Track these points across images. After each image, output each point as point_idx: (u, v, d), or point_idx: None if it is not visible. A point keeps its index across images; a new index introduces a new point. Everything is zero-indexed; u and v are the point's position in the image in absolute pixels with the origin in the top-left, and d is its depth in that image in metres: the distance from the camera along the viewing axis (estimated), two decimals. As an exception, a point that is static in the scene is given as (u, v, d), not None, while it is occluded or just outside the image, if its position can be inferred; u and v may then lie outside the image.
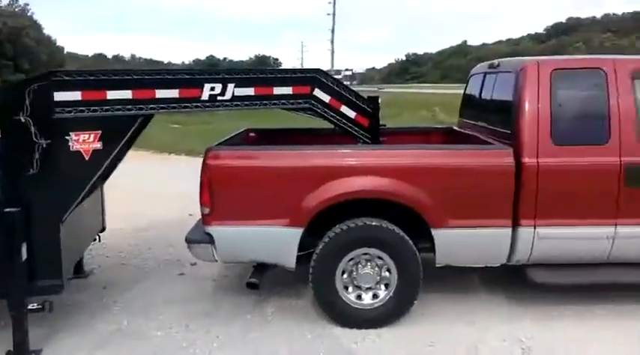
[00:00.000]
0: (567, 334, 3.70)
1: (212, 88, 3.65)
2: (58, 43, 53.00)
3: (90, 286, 4.55)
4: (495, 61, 4.59)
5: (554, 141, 3.69)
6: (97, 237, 4.61)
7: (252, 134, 5.14)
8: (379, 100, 4.27)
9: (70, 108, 3.38)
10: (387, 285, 3.80)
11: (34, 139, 3.30)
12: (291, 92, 3.84)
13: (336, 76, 4.97)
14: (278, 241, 3.73)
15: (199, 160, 3.80)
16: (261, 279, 3.87)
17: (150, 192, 7.86)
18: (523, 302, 4.17)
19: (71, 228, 3.53)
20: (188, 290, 4.49)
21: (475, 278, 4.62)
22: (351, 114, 4.08)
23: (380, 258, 3.76)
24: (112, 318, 3.98)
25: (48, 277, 3.39)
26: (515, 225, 3.73)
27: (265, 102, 3.81)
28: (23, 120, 3.29)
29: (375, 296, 3.81)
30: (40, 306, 3.44)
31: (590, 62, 3.96)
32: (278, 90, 3.81)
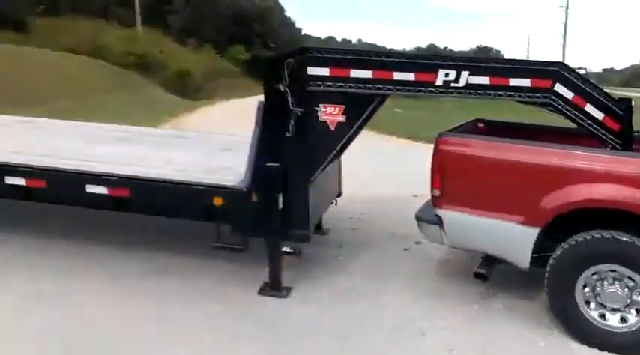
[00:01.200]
0: None
1: (446, 74, 3.52)
2: (297, 25, 58.29)
3: (327, 243, 4.95)
4: None
5: None
6: (335, 201, 4.95)
7: (480, 125, 4.84)
8: (632, 103, 3.56)
9: (319, 82, 3.67)
10: (638, 311, 3.22)
11: (291, 107, 3.67)
12: (529, 85, 3.47)
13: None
14: (510, 237, 3.50)
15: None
16: (489, 271, 3.72)
17: (375, 169, 7.84)
18: None
19: (316, 188, 3.93)
20: (413, 267, 4.55)
21: None
22: (598, 115, 3.51)
23: (631, 278, 3.19)
24: (347, 276, 4.29)
25: (298, 227, 3.85)
26: None
27: (500, 93, 3.51)
28: (282, 89, 3.67)
29: (623, 319, 3.26)
30: (291, 250, 4.17)
31: None
32: (514, 82, 3.47)
